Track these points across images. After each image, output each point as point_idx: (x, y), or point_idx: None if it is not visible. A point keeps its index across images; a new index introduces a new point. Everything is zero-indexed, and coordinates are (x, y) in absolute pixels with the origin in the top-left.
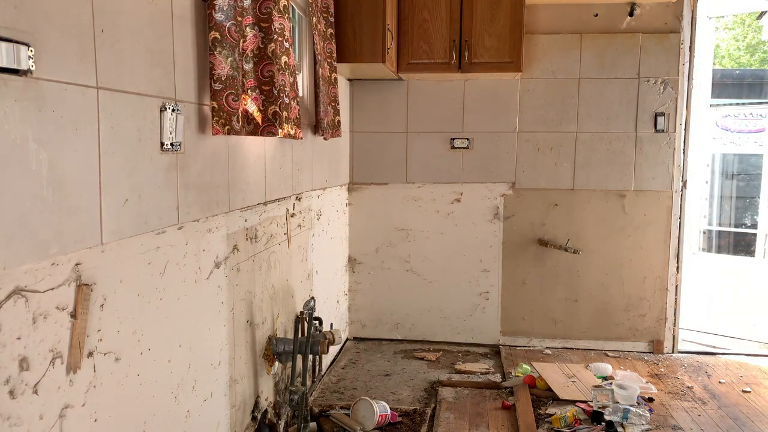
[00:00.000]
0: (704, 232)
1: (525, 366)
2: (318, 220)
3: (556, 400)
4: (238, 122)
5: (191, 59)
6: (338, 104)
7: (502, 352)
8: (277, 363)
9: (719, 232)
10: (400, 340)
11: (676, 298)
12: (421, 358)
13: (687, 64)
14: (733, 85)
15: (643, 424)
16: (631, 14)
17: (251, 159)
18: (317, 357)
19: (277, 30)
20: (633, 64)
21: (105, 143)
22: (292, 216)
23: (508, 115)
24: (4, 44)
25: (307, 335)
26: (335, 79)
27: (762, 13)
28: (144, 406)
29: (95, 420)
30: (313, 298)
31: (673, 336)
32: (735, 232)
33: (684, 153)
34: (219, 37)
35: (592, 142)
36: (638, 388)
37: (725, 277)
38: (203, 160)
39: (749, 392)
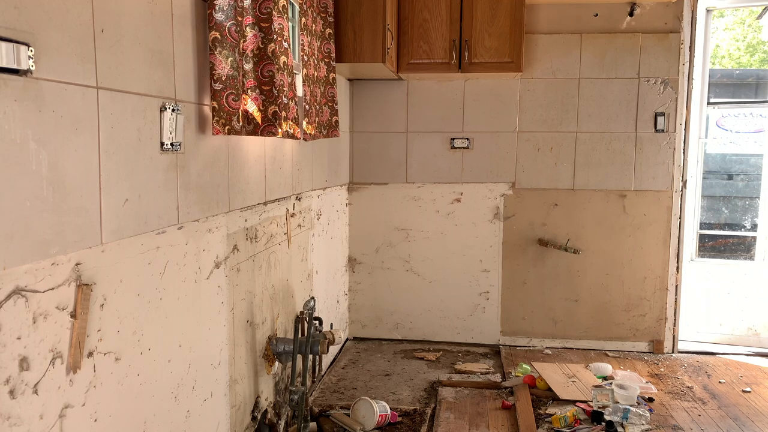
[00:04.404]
0: (702, 237)
1: (525, 366)
2: (318, 220)
3: (556, 400)
4: (239, 122)
5: (191, 59)
6: (336, 104)
7: (502, 352)
8: (277, 363)
9: (716, 235)
10: (400, 340)
11: (676, 298)
12: (421, 358)
13: (687, 64)
14: (733, 85)
15: (643, 424)
16: (631, 14)
17: (251, 159)
18: (317, 357)
19: (276, 30)
20: (633, 64)
21: (105, 143)
22: (292, 216)
23: (508, 115)
24: (4, 44)
25: (307, 335)
26: (333, 79)
27: (762, 13)
28: (144, 406)
29: (95, 420)
30: (313, 298)
31: (673, 336)
32: (734, 235)
33: (684, 153)
34: (219, 37)
35: (592, 142)
36: (638, 388)
37: (724, 282)
38: (203, 160)
39: (749, 392)
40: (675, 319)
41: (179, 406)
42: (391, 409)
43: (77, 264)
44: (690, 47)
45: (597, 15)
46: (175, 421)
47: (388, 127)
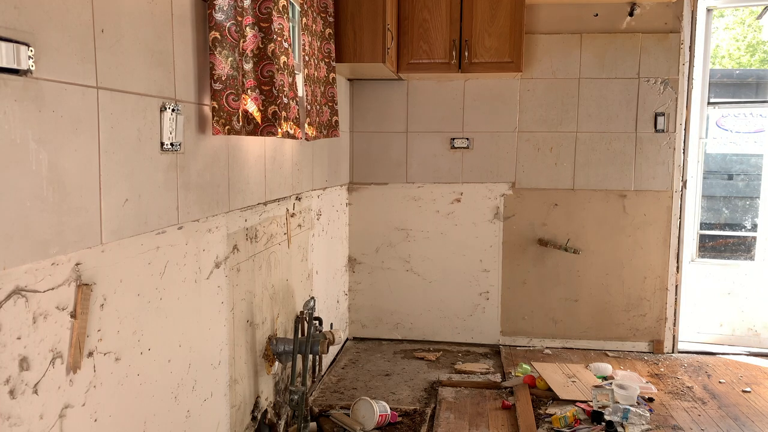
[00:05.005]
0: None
1: (525, 366)
2: (318, 220)
3: (556, 400)
4: (239, 122)
5: (191, 59)
6: (336, 104)
7: (502, 352)
8: (277, 363)
9: (716, 235)
10: (400, 340)
11: (676, 298)
12: (421, 358)
13: (687, 64)
14: (733, 85)
15: (643, 424)
16: (631, 14)
17: (251, 159)
18: (317, 357)
19: (276, 30)
20: (633, 64)
21: (105, 143)
22: (292, 216)
23: (508, 115)
24: (4, 44)
25: (307, 335)
26: (333, 79)
27: (762, 13)
28: (144, 406)
29: (95, 420)
30: (313, 298)
31: (673, 336)
32: (734, 235)
33: (684, 153)
34: (219, 37)
35: (592, 142)
36: (638, 388)
37: (724, 282)
38: (203, 160)
39: (749, 392)
40: (675, 319)
41: (179, 406)
42: (391, 409)
43: (77, 264)
44: (690, 47)
45: (597, 15)
46: (175, 421)
47: (388, 127)
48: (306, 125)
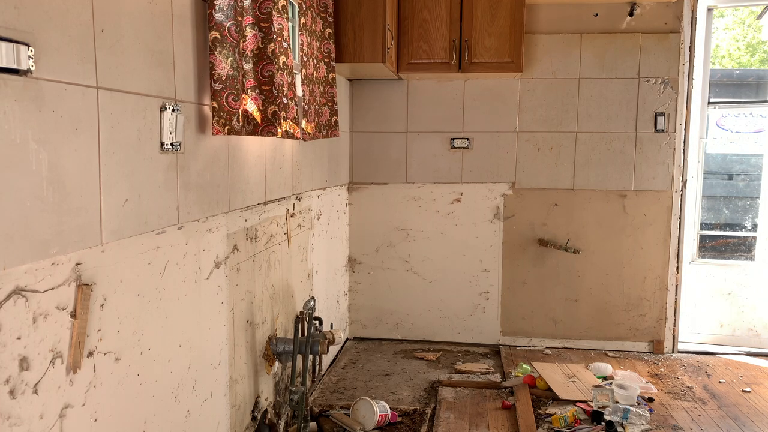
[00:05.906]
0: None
1: (525, 366)
2: (318, 220)
3: (556, 400)
4: (239, 122)
5: (191, 59)
6: (336, 104)
7: (502, 352)
8: (277, 363)
9: (716, 235)
10: (400, 340)
11: (676, 298)
12: (421, 358)
13: (687, 64)
14: (733, 85)
15: (643, 424)
16: (631, 14)
17: (251, 159)
18: (317, 357)
19: (276, 30)
20: (633, 64)
21: (105, 143)
22: (292, 216)
23: (508, 115)
24: (4, 44)
25: (307, 335)
26: (333, 79)
27: (762, 13)
28: (144, 406)
29: (95, 420)
30: (313, 298)
31: (673, 336)
32: (734, 235)
33: (684, 153)
34: (219, 37)
35: (592, 142)
36: (638, 388)
37: (724, 282)
38: (203, 160)
39: (749, 392)
40: (675, 319)
41: (179, 406)
42: (391, 409)
43: (77, 264)
44: (690, 47)
45: (597, 15)
46: (175, 421)
47: (388, 127)
48: (304, 125)
